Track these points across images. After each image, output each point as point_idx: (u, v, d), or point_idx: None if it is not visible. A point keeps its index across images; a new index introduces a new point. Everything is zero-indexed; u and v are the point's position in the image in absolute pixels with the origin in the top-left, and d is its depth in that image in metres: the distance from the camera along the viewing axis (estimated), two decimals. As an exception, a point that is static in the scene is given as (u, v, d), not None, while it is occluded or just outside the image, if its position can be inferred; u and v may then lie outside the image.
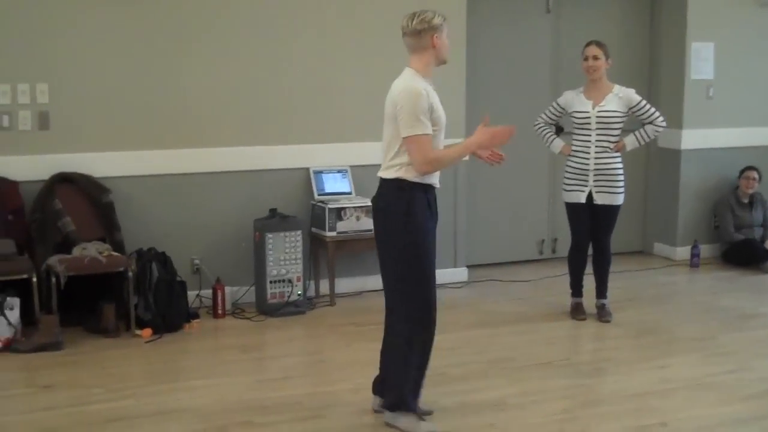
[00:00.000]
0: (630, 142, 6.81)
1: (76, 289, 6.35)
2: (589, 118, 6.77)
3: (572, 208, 6.92)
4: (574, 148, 6.87)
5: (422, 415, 4.97)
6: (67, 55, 6.72)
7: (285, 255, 7.01)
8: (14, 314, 6.16)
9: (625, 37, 8.97)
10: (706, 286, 8.16)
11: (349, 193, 7.34)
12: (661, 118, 6.81)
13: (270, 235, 6.96)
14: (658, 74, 9.00)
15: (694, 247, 8.69)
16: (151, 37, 6.91)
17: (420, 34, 4.69)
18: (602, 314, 6.98)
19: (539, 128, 7.12)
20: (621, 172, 6.80)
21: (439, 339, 6.20)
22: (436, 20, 4.70)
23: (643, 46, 9.06)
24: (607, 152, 6.74)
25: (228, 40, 7.11)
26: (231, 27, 7.11)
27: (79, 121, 6.79)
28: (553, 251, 8.76)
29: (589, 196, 6.79)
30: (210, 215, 7.16)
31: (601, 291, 7.05)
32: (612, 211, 6.83)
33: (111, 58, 6.83)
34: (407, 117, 4.57)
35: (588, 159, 6.77)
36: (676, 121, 8.82)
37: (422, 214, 4.70)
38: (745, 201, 8.79)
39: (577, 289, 7.12)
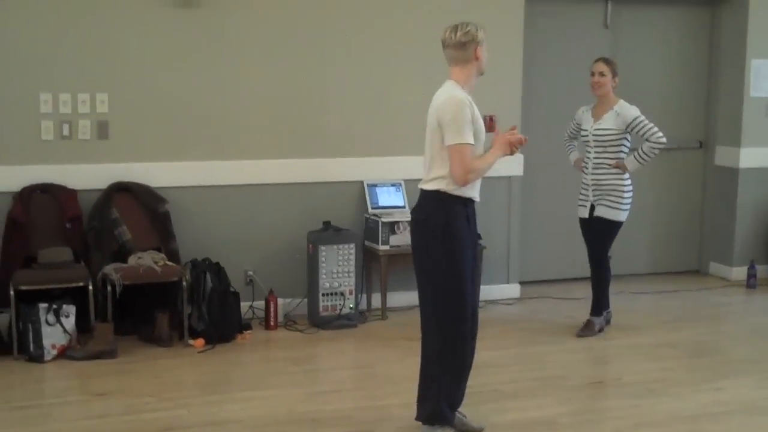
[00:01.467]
0: (630, 162, 6.75)
1: (131, 298, 6.43)
2: (587, 136, 6.85)
3: (581, 224, 7.02)
4: (584, 163, 6.96)
5: (472, 431, 4.96)
6: (127, 65, 6.81)
7: (338, 268, 7.03)
8: (70, 322, 6.23)
9: (684, 53, 8.89)
10: (762, 307, 8.03)
11: (403, 207, 7.34)
12: (658, 135, 6.71)
13: (323, 248, 6.98)
14: (717, 91, 8.89)
15: (751, 267, 8.56)
16: (209, 49, 6.98)
17: (465, 46, 4.71)
18: (581, 328, 6.99)
19: (565, 142, 7.25)
20: (625, 189, 6.80)
21: (490, 355, 6.25)
22: (480, 33, 4.74)
23: (701, 63, 8.96)
24: (604, 168, 6.78)
25: (286, 53, 7.15)
26: (289, 40, 7.15)
27: (138, 131, 6.88)
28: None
29: (592, 210, 6.88)
30: (264, 227, 7.21)
31: (593, 307, 7.06)
32: (607, 225, 6.83)
33: (170, 69, 6.91)
34: (451, 126, 4.60)
35: (587, 175, 6.88)
36: (734, 139, 8.73)
37: (461, 227, 4.72)
38: (804, 220, 8.67)
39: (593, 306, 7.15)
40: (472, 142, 4.64)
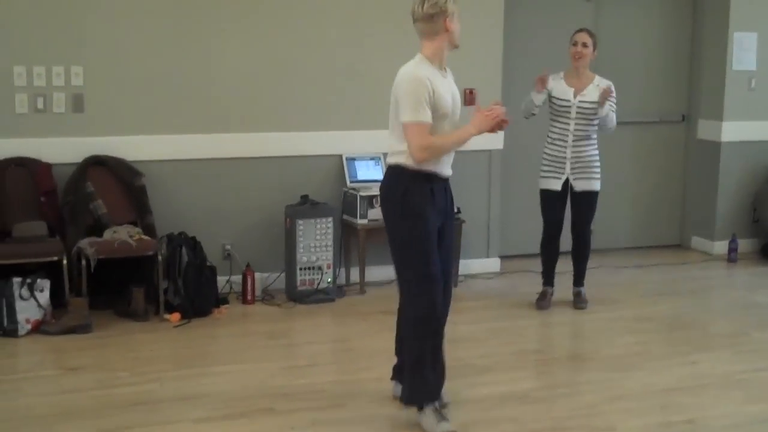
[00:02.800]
0: (605, 109, 6.67)
1: (107, 272, 6.39)
2: (570, 107, 6.77)
3: (547, 196, 6.94)
4: (552, 135, 6.88)
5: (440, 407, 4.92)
6: (102, 38, 6.75)
7: (315, 242, 7.00)
8: (44, 296, 6.19)
9: (667, 27, 8.85)
10: (742, 282, 8.05)
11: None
12: (615, 121, 6.79)
13: (301, 222, 6.95)
14: (700, 64, 8.85)
15: (732, 241, 8.54)
16: (186, 21, 6.92)
17: (432, 18, 4.58)
18: (578, 301, 7.05)
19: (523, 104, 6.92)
20: (597, 159, 6.85)
21: (467, 329, 6.24)
22: (449, 4, 4.60)
23: (684, 36, 8.91)
24: (585, 141, 6.77)
25: (264, 24, 7.10)
26: (267, 11, 7.09)
27: (113, 105, 6.82)
28: (589, 243, 8.65)
29: (566, 184, 6.84)
30: (241, 201, 7.16)
31: (579, 279, 7.12)
32: (591, 197, 6.88)
33: (146, 41, 6.84)
34: (406, 103, 4.53)
35: (566, 147, 6.80)
36: (716, 113, 8.69)
37: (420, 202, 4.62)
38: (786, 193, 8.65)
39: (548, 278, 7.14)
40: (428, 120, 4.54)
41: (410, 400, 4.79)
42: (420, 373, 4.74)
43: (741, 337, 6.39)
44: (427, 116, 4.53)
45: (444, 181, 4.77)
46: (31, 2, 6.58)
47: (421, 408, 4.74)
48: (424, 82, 4.52)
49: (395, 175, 4.68)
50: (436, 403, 4.74)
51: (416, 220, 4.63)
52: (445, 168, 4.74)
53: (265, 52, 7.12)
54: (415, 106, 4.51)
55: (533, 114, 6.89)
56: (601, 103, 6.65)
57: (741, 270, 8.36)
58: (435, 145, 4.58)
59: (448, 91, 4.68)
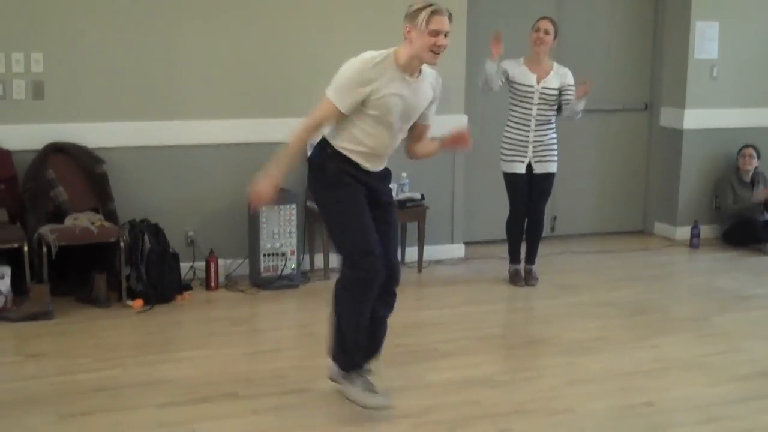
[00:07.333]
0: (582, 103, 6.95)
1: (68, 259, 6.36)
2: (533, 92, 6.95)
3: (512, 179, 7.13)
4: (513, 119, 7.07)
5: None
6: (62, 24, 6.68)
7: (279, 228, 6.99)
8: (5, 283, 6.15)
9: (629, 16, 8.89)
10: (704, 267, 8.11)
11: (345, 168, 7.29)
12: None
13: (264, 208, 6.91)
14: (662, 53, 8.91)
15: (695, 227, 8.61)
16: (147, 7, 6.87)
17: (405, 19, 4.42)
18: (530, 279, 7.27)
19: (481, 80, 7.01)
20: (556, 142, 7.08)
21: (431, 315, 6.27)
22: (420, 16, 4.32)
23: (647, 25, 8.96)
24: (545, 125, 7.00)
25: (225, 11, 7.06)
26: (228, -2, 7.07)
27: (74, 91, 6.76)
28: (552, 229, 8.70)
29: (528, 167, 7.02)
30: (204, 187, 7.13)
31: (533, 257, 7.32)
32: (550, 179, 7.13)
33: (106, 28, 6.78)
34: (335, 78, 4.45)
35: (528, 131, 7.00)
36: (679, 101, 8.76)
37: (339, 171, 4.49)
38: (747, 180, 8.71)
39: (516, 256, 7.34)
40: (341, 107, 4.40)
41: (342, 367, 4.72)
42: (347, 339, 4.69)
43: (702, 321, 6.44)
44: (343, 104, 4.40)
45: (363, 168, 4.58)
46: (-10, -13, 6.52)
47: (345, 372, 4.69)
48: (365, 68, 4.38)
49: (318, 147, 4.62)
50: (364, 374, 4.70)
51: (339, 187, 4.51)
52: (373, 165, 4.59)
53: (227, 38, 7.09)
54: (335, 83, 4.43)
55: (491, 88, 6.97)
56: (579, 96, 6.86)
57: (703, 255, 8.44)
58: (303, 133, 4.48)
59: (402, 97, 4.45)
